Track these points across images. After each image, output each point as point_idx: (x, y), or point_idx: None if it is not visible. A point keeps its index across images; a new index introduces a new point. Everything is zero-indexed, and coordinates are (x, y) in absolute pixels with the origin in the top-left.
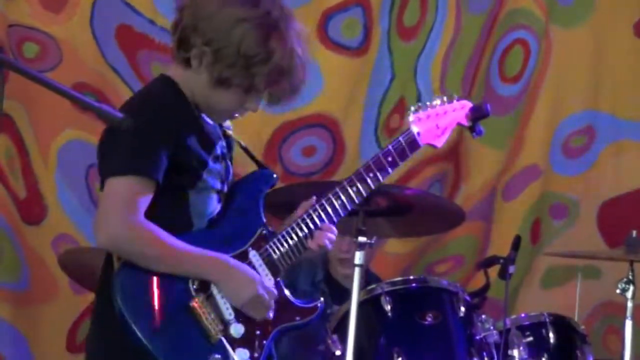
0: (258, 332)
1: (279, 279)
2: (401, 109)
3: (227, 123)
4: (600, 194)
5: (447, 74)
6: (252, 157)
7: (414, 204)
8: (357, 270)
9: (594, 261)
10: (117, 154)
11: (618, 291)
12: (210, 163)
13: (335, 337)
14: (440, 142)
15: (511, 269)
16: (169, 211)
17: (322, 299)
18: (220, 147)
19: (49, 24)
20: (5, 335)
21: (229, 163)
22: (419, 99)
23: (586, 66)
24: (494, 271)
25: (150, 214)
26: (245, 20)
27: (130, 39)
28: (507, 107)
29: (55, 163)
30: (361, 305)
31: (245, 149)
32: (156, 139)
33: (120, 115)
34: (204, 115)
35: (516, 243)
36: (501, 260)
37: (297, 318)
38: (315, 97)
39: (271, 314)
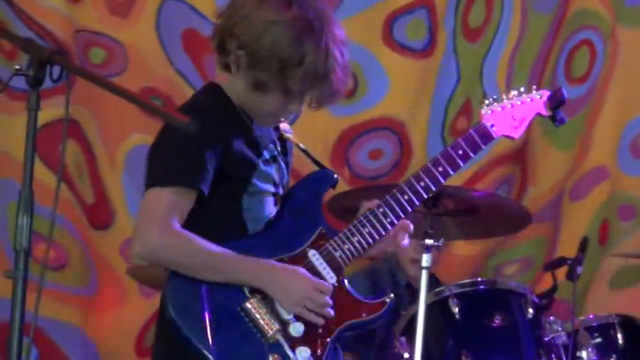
0: (320, 331)
1: (343, 277)
2: (467, 110)
3: (286, 127)
4: None
5: (514, 74)
6: (312, 159)
7: (481, 205)
8: (424, 273)
9: None
10: (160, 165)
11: None
12: (261, 166)
13: (403, 339)
14: (517, 134)
15: (579, 270)
16: (222, 218)
17: (391, 295)
18: (271, 150)
19: (116, 29)
20: (74, 339)
21: (284, 166)
22: None
23: None
24: (562, 273)
25: (204, 223)
26: (278, 22)
27: (196, 43)
28: (574, 109)
29: (122, 168)
30: (429, 307)
31: (305, 151)
32: (201, 149)
33: (185, 119)
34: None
35: (584, 244)
36: (569, 262)
37: (363, 314)
38: (382, 99)
39: (332, 312)
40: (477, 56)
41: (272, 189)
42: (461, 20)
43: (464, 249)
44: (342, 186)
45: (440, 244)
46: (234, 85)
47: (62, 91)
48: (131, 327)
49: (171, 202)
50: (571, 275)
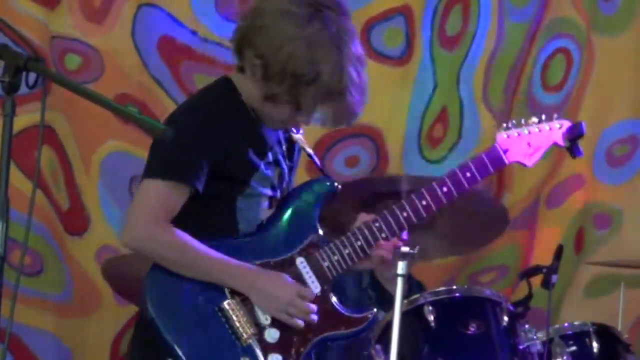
0: (295, 339)
1: (327, 287)
2: (444, 118)
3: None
4: None
5: (490, 82)
6: (317, 165)
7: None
8: (399, 281)
9: (637, 270)
10: (158, 157)
11: None
12: (262, 168)
13: (378, 346)
14: (531, 162)
15: (554, 278)
16: (216, 217)
17: (374, 309)
18: (276, 152)
19: (91, 35)
20: (50, 345)
21: (285, 169)
22: (461, 108)
23: (629, 75)
24: (537, 281)
25: (197, 219)
26: (296, 38)
27: (173, 49)
28: (549, 116)
29: (97, 174)
30: (404, 315)
31: (311, 156)
32: (198, 147)
33: (162, 126)
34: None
35: (559, 252)
36: (544, 270)
37: (342, 327)
38: None
39: (315, 318)
40: (454, 64)
41: (269, 192)
42: (438, 28)
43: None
44: None
45: (415, 252)
46: (247, 85)
47: (38, 97)
48: (106, 334)
49: (163, 195)
50: (546, 284)
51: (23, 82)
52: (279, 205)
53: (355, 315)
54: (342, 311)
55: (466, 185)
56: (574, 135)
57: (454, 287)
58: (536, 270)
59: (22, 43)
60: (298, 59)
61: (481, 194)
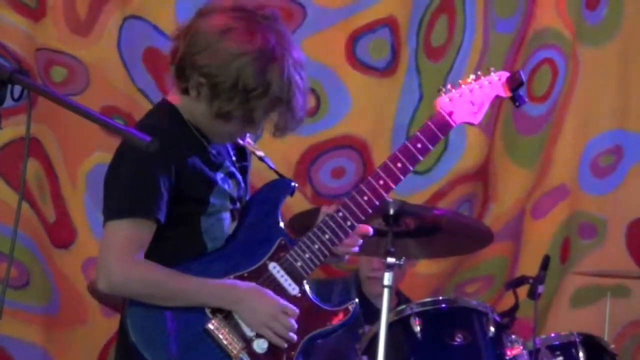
0: (285, 345)
1: (305, 287)
2: None
3: None
4: (628, 213)
5: None
6: (270, 166)
7: (442, 224)
8: (386, 291)
9: (623, 280)
10: (115, 195)
11: None
12: (219, 184)
13: (365, 358)
14: (477, 119)
15: (540, 288)
16: (182, 240)
17: (356, 300)
18: (228, 165)
19: (77, 47)
20: (36, 358)
21: (240, 178)
22: None
23: (614, 85)
24: (523, 291)
25: (163, 245)
26: (243, 54)
27: (158, 61)
28: (535, 127)
29: (84, 187)
30: (391, 326)
31: (262, 159)
32: (155, 176)
33: (147, 138)
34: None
35: (545, 263)
36: (530, 280)
37: (327, 323)
38: (344, 118)
39: (295, 338)
40: (439, 74)
41: (230, 205)
42: (423, 39)
43: (425, 267)
44: (305, 205)
45: (401, 263)
46: (191, 106)
47: (24, 110)
48: (93, 346)
49: (130, 235)
50: (533, 294)
51: (8, 95)
52: (241, 215)
53: (337, 309)
54: (324, 307)
55: (419, 156)
56: (515, 84)
57: (440, 297)
58: (523, 280)
59: (8, 55)
60: (247, 74)
61: (464, 218)
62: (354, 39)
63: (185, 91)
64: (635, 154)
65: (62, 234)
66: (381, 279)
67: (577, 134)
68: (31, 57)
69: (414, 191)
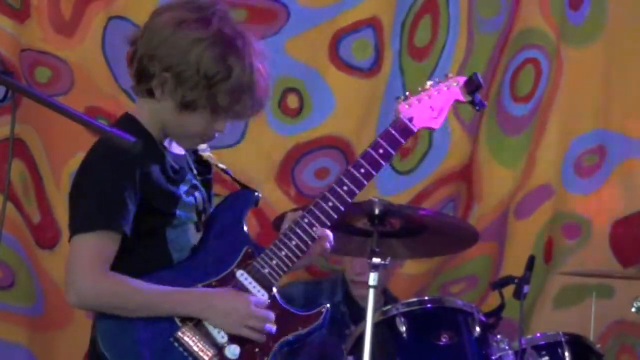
0: (257, 350)
1: (274, 292)
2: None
3: (203, 146)
4: (612, 212)
5: None
6: (232, 177)
7: (427, 224)
8: (371, 292)
9: (607, 280)
10: (80, 209)
11: (633, 309)
12: (183, 197)
13: (351, 358)
14: (437, 124)
15: (525, 288)
16: (148, 251)
17: (327, 305)
18: (190, 178)
19: (61, 48)
20: (21, 359)
21: (203, 190)
22: None
23: (597, 85)
24: (508, 291)
25: (129, 257)
26: (201, 40)
27: None
28: (519, 127)
29: (68, 187)
30: (376, 326)
31: (224, 170)
32: (119, 189)
33: (132, 139)
34: (171, 149)
35: (530, 263)
36: (516, 280)
37: (299, 327)
38: (328, 118)
39: (273, 329)
40: (423, 75)
41: (194, 217)
42: (407, 39)
43: (410, 267)
44: (289, 205)
45: (387, 263)
46: (157, 110)
47: (8, 111)
48: (78, 347)
49: (97, 248)
50: (518, 294)
51: None
52: (206, 226)
53: (308, 313)
54: (295, 312)
55: (382, 162)
56: (472, 87)
57: (426, 297)
58: (508, 280)
59: None
60: (207, 59)
61: (449, 218)
62: (338, 39)
63: (149, 93)
64: (619, 154)
65: (46, 234)
66: (365, 282)
67: (561, 134)
68: (16, 58)
69: (398, 191)
